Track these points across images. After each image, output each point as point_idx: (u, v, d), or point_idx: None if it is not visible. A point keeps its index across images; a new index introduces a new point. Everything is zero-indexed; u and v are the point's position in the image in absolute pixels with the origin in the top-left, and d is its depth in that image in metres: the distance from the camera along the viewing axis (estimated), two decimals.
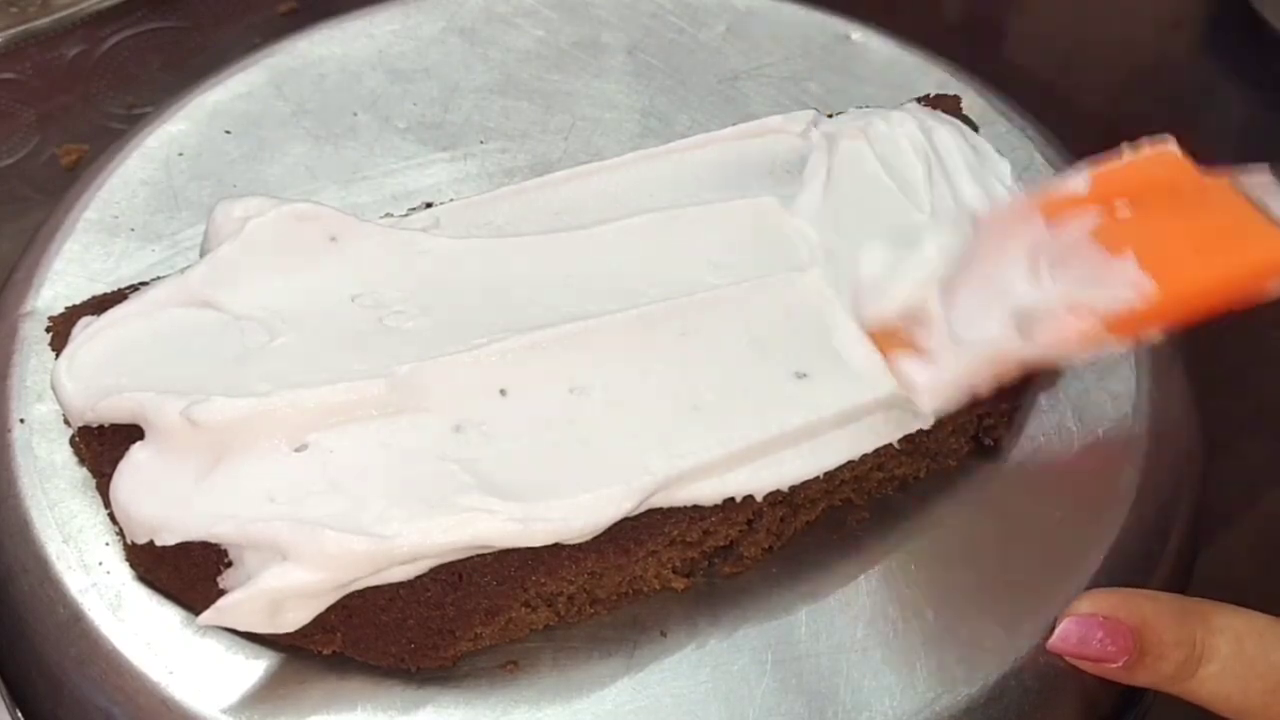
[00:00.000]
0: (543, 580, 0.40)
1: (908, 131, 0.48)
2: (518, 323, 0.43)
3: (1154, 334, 0.40)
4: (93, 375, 0.42)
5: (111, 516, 0.41)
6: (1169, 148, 0.41)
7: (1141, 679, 0.39)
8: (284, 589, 0.38)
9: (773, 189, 0.47)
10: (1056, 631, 0.40)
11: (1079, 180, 0.41)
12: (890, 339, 0.42)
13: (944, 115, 0.51)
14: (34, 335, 0.47)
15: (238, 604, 0.38)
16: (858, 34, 0.58)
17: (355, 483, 0.39)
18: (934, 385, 0.41)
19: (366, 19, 0.58)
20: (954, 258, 0.41)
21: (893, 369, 0.41)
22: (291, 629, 0.39)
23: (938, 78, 0.56)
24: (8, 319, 0.48)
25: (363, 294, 0.44)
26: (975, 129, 0.51)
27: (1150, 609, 0.39)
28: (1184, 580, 0.47)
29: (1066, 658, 0.40)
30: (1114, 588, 0.41)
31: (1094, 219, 0.40)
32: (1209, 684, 0.39)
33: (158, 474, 0.40)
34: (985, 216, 0.43)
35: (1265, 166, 0.40)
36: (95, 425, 0.42)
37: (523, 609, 0.40)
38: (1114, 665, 0.39)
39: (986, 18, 0.77)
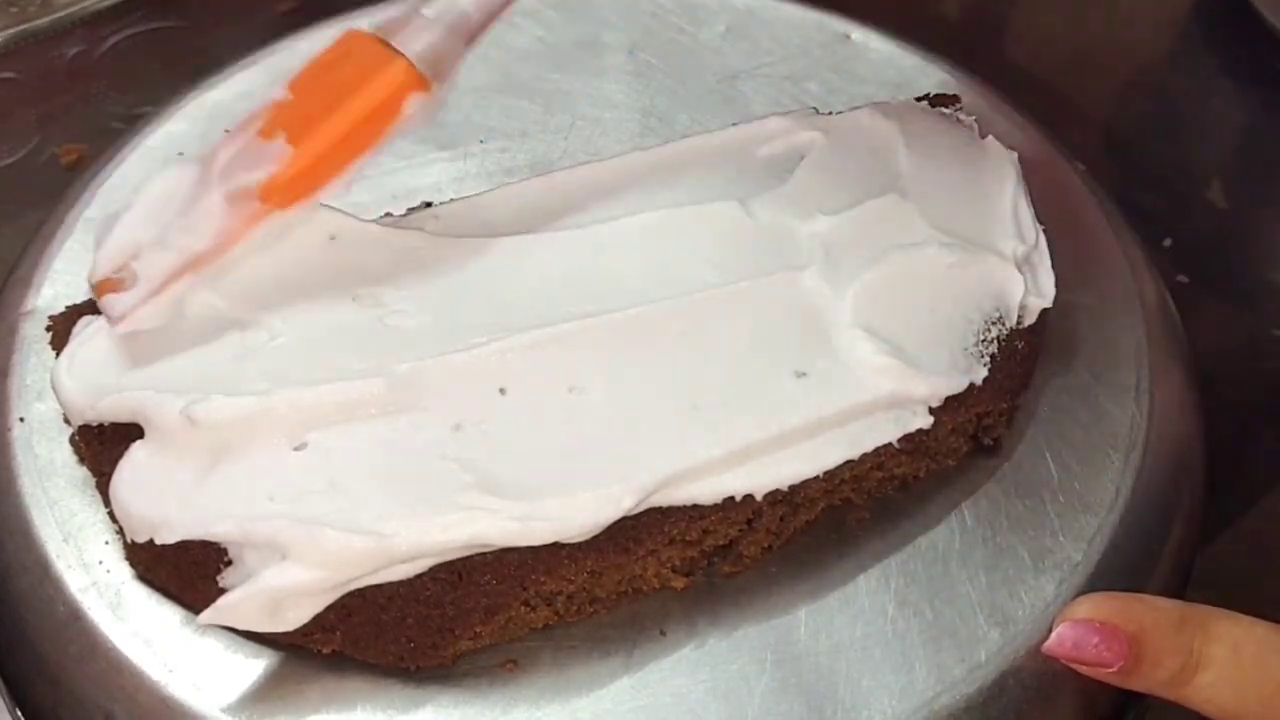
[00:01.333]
0: (542, 579, 0.40)
1: (899, 129, 0.48)
2: (517, 322, 0.43)
3: (311, 195, 0.42)
4: (93, 374, 0.42)
5: (111, 515, 0.41)
6: (356, 28, 0.43)
7: (1137, 684, 0.39)
8: (283, 588, 0.38)
9: (772, 188, 0.47)
10: (1053, 636, 0.40)
11: (281, 90, 0.43)
12: (106, 286, 0.42)
13: (943, 111, 0.51)
14: (34, 334, 0.47)
15: (237, 603, 0.38)
16: (857, 34, 0.58)
17: (355, 481, 0.39)
18: (133, 312, 0.41)
19: (366, 19, 0.57)
20: (169, 198, 0.42)
21: (103, 310, 0.42)
22: (291, 628, 0.39)
23: (938, 78, 0.56)
24: (8, 318, 0.48)
25: (363, 294, 0.44)
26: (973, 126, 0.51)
27: (1148, 616, 0.39)
28: (1183, 580, 0.47)
29: (1062, 661, 0.40)
30: (1112, 592, 0.41)
31: (261, 116, 0.42)
32: (1204, 692, 0.39)
33: (157, 473, 0.40)
34: (216, 147, 0.44)
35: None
36: (95, 424, 0.42)
37: (522, 608, 0.40)
38: (1109, 670, 0.39)
39: (986, 18, 0.77)
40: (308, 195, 0.42)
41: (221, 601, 0.38)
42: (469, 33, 0.43)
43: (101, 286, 0.42)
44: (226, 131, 0.43)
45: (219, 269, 0.42)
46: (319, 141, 0.41)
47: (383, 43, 0.42)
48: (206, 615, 0.38)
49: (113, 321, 0.42)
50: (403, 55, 0.41)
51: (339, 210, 0.45)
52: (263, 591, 0.38)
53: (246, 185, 0.41)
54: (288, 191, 0.42)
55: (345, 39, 0.43)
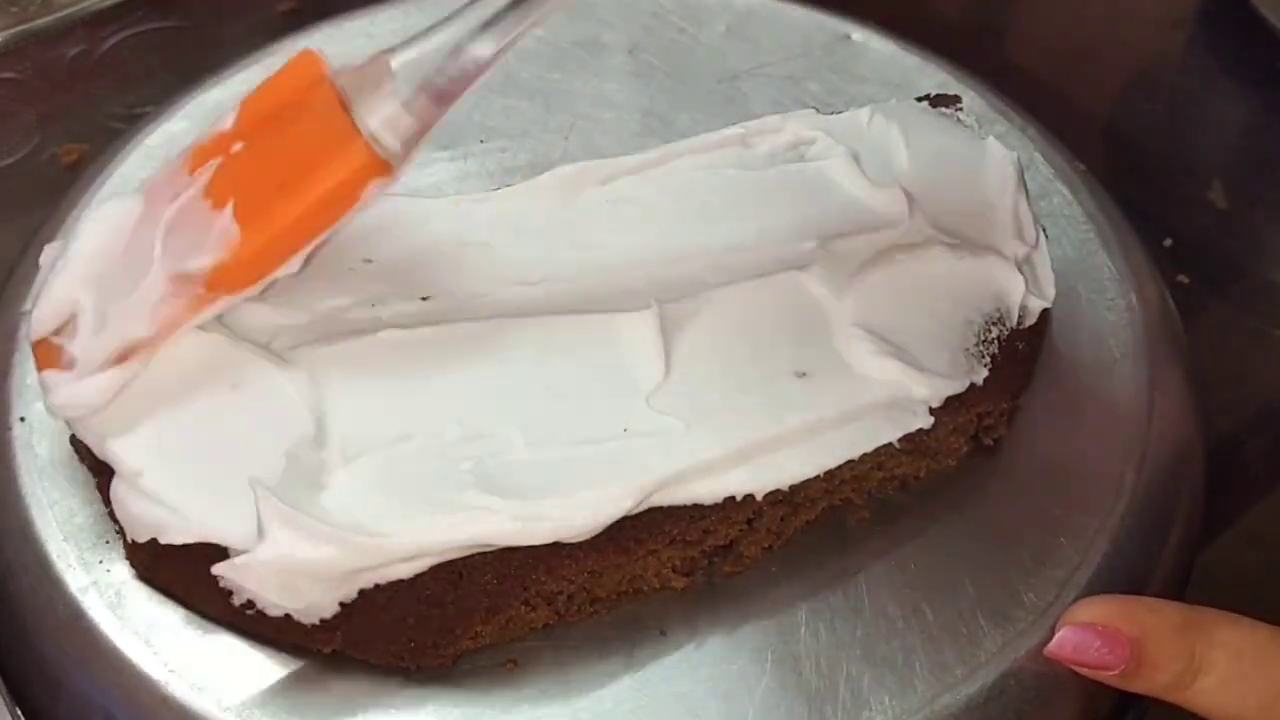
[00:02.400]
0: (543, 579, 0.40)
1: (899, 129, 0.48)
2: (516, 321, 0.43)
3: (259, 281, 0.39)
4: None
5: (111, 515, 0.41)
6: (309, 51, 0.39)
7: (1138, 687, 0.39)
8: (291, 556, 0.37)
9: (772, 188, 0.47)
10: (1054, 638, 0.40)
11: (229, 118, 0.40)
12: (47, 354, 0.40)
13: (943, 111, 0.51)
14: None
15: (247, 564, 0.38)
16: (858, 34, 0.58)
17: (355, 480, 0.39)
18: (71, 399, 0.39)
19: (366, 19, 0.58)
20: (112, 240, 0.40)
21: (41, 385, 0.40)
22: (304, 609, 0.39)
23: (938, 78, 0.56)
24: (8, 317, 0.48)
25: (367, 298, 0.44)
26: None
27: (1150, 619, 0.39)
28: (1183, 580, 0.47)
29: (1063, 664, 0.40)
30: (1114, 595, 0.41)
31: (210, 171, 0.39)
32: (1205, 696, 0.39)
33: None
34: (147, 183, 0.41)
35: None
36: None
37: (523, 608, 0.40)
38: (1110, 673, 0.39)
39: (986, 18, 0.77)
40: (255, 281, 0.39)
41: (236, 560, 0.38)
42: (441, 99, 0.38)
43: (40, 350, 0.40)
44: (165, 164, 0.41)
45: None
46: (270, 226, 0.38)
47: (344, 108, 0.37)
48: (221, 566, 0.38)
49: (49, 401, 0.40)
50: (363, 137, 0.37)
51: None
52: (275, 559, 0.37)
53: (191, 270, 0.38)
54: (235, 278, 0.39)
55: (305, 75, 0.39)
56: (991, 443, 0.45)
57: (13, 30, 0.63)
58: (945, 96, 0.53)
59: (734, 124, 0.50)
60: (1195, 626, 0.39)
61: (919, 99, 0.52)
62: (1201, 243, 0.62)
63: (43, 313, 0.40)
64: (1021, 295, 0.45)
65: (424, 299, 0.44)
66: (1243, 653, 0.38)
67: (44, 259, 0.42)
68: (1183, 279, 0.59)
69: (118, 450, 0.40)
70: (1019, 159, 0.49)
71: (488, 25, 0.38)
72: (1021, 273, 0.45)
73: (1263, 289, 0.63)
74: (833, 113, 0.51)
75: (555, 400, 0.42)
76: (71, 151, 0.61)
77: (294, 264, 0.39)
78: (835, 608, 0.42)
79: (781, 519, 0.42)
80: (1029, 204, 0.48)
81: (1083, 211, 0.52)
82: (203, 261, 0.38)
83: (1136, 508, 0.45)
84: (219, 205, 0.38)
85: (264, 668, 0.40)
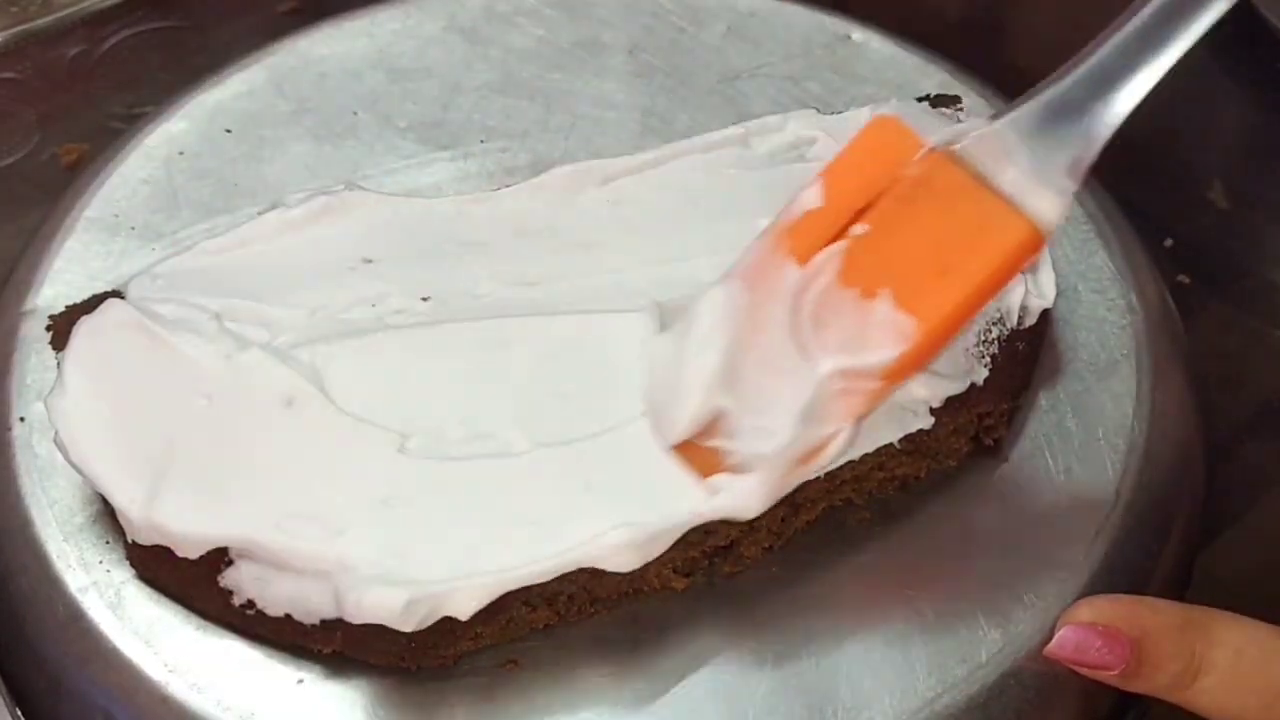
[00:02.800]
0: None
1: None
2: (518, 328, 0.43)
3: (932, 360, 0.39)
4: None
5: (111, 514, 0.41)
6: (887, 119, 0.39)
7: (1138, 687, 0.39)
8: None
9: (772, 188, 0.47)
10: (1055, 638, 0.40)
11: (812, 193, 0.39)
12: (701, 458, 0.39)
13: (943, 111, 0.51)
14: (34, 334, 0.47)
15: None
16: (858, 34, 0.58)
17: (382, 515, 0.39)
18: (753, 500, 0.39)
19: (367, 18, 0.58)
20: (726, 335, 0.39)
21: (710, 495, 0.39)
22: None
23: (938, 78, 0.56)
24: (8, 318, 0.48)
25: (367, 298, 0.44)
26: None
27: (1150, 619, 0.39)
28: (1184, 580, 0.47)
29: (1063, 664, 0.40)
30: (1114, 595, 0.41)
31: (838, 257, 0.38)
32: (1205, 696, 0.39)
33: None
34: (740, 269, 0.40)
35: (983, 118, 0.38)
36: None
37: (523, 608, 0.40)
38: (1111, 673, 0.39)
39: (986, 18, 0.76)
40: (923, 367, 0.39)
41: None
42: (1091, 145, 0.37)
43: (696, 456, 0.39)
44: (748, 251, 0.39)
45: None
46: (939, 313, 0.37)
47: (987, 188, 0.36)
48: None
49: (722, 506, 0.39)
50: (1025, 215, 0.36)
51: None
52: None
53: (870, 366, 0.38)
54: (909, 367, 0.38)
55: (895, 143, 0.38)
56: (991, 443, 0.45)
57: (13, 30, 0.63)
58: (945, 96, 0.53)
59: (734, 124, 0.50)
60: (1195, 626, 0.39)
61: (919, 99, 0.52)
62: (1201, 243, 0.62)
63: (692, 412, 0.39)
64: (1021, 295, 0.45)
65: (424, 299, 0.44)
66: (1243, 652, 0.38)
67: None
68: (1183, 279, 0.59)
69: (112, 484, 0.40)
70: None
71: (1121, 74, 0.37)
72: (1021, 273, 0.45)
73: (1263, 289, 0.63)
74: (833, 113, 0.51)
75: (555, 400, 0.42)
76: (71, 151, 0.61)
77: (953, 338, 0.39)
78: (835, 608, 0.42)
79: (782, 519, 0.42)
80: None
81: (1083, 211, 0.52)
82: (881, 356, 0.38)
83: (1136, 508, 0.45)
84: (868, 294, 0.38)
85: (264, 668, 0.40)
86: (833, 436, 0.39)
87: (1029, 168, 0.37)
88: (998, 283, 0.38)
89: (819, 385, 0.38)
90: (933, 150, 0.38)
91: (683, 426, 0.39)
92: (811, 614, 0.42)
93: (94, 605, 0.41)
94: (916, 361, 0.38)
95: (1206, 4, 0.37)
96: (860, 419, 0.39)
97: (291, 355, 0.42)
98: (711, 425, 0.39)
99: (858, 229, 0.38)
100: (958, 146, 0.37)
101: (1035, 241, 0.37)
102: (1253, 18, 0.66)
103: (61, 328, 0.44)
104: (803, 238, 0.38)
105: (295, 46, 0.57)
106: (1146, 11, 0.37)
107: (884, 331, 0.37)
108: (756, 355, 0.39)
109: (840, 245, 0.38)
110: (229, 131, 0.53)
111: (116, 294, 0.44)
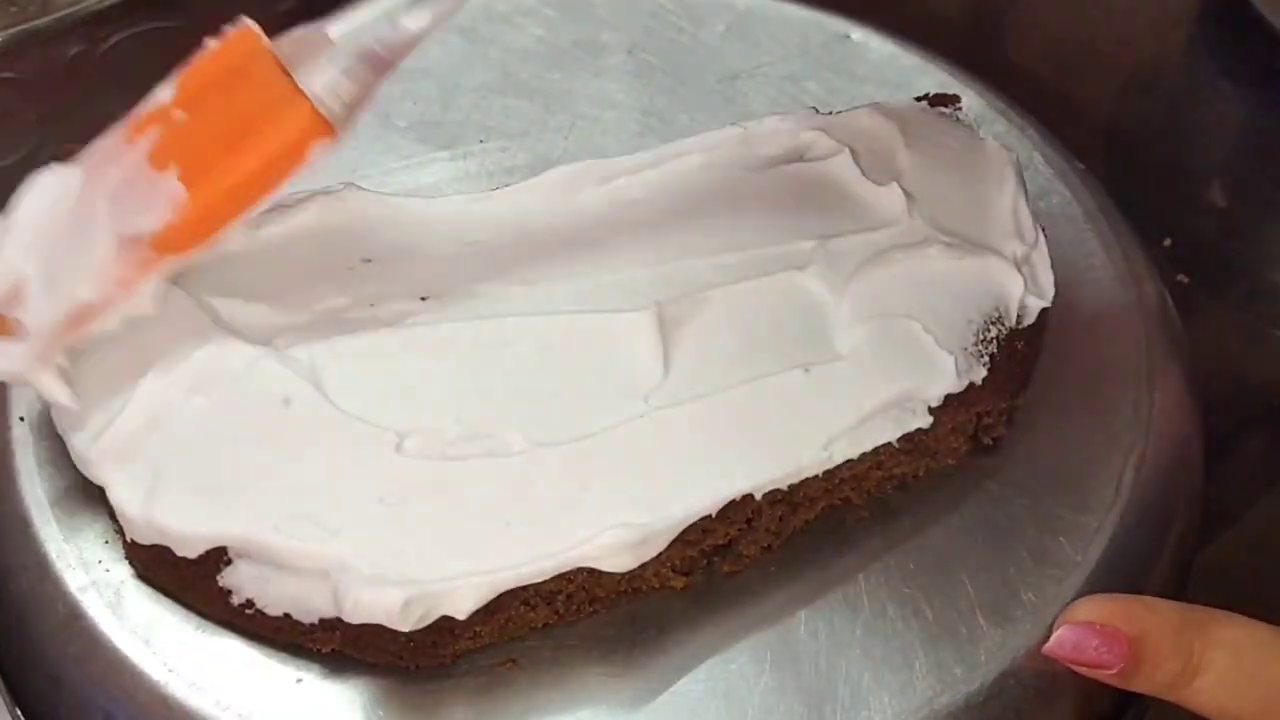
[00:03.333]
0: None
1: (899, 129, 0.48)
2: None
3: (205, 241, 0.40)
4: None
5: (111, 514, 0.41)
6: (245, 25, 0.40)
7: (1136, 686, 0.39)
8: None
9: (772, 188, 0.47)
10: (1053, 637, 0.40)
11: (166, 88, 0.40)
12: None
13: (943, 111, 0.51)
14: None
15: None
16: (857, 34, 0.58)
17: (380, 514, 0.39)
18: (19, 365, 0.40)
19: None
20: (54, 210, 0.40)
21: None
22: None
23: (938, 78, 0.56)
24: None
25: (366, 298, 0.44)
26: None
27: (1149, 618, 0.39)
28: (1183, 580, 0.47)
29: (1062, 663, 0.40)
30: (1113, 594, 0.41)
31: (152, 137, 0.39)
32: (1203, 695, 0.39)
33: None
34: (85, 155, 0.41)
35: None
36: None
37: (522, 607, 0.40)
38: (1109, 673, 0.39)
39: (986, 18, 0.77)
40: (202, 240, 0.39)
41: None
42: (378, 67, 0.39)
43: None
44: (102, 135, 0.40)
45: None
46: (215, 186, 0.39)
47: (285, 73, 0.39)
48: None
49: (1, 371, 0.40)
50: (306, 97, 0.38)
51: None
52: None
53: (139, 232, 0.39)
54: (182, 238, 0.39)
55: (242, 47, 0.40)
56: (991, 442, 0.45)
57: (13, 30, 0.63)
58: (945, 96, 0.53)
59: (734, 124, 0.50)
60: (1194, 625, 0.39)
61: (919, 99, 0.52)
62: (1201, 243, 0.62)
63: None
64: (1021, 295, 0.45)
65: (422, 298, 0.44)
66: (1242, 652, 0.38)
67: None
68: (1183, 279, 0.59)
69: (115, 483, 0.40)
70: (1018, 159, 0.49)
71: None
72: (1020, 272, 0.45)
73: (1263, 289, 0.63)
74: (832, 113, 0.51)
75: (553, 400, 0.42)
76: (71, 151, 0.60)
77: (239, 224, 0.40)
78: (834, 607, 0.42)
79: (781, 518, 0.42)
80: (1028, 204, 0.48)
81: (1083, 211, 0.52)
82: (150, 223, 0.39)
83: (1136, 507, 0.45)
84: (163, 169, 0.39)
85: (263, 667, 0.40)
86: (101, 305, 0.39)
87: (332, 69, 0.39)
88: (279, 166, 0.39)
89: (94, 252, 0.39)
90: (244, 33, 0.40)
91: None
92: (810, 613, 0.42)
93: (93, 604, 0.41)
94: (185, 233, 0.39)
95: None
96: (127, 288, 0.39)
97: (290, 355, 0.42)
98: (14, 294, 0.39)
99: (178, 115, 0.39)
100: (280, 46, 0.40)
101: (318, 128, 0.39)
102: (1253, 18, 0.66)
103: None
104: (143, 126, 0.40)
105: None
106: None
107: (163, 203, 0.39)
108: (68, 230, 0.39)
109: (157, 129, 0.39)
110: (108, 134, 0.53)
111: None
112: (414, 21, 0.39)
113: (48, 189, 0.40)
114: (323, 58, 0.39)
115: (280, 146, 0.39)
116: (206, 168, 0.39)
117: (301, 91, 0.39)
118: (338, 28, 0.40)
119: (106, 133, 0.41)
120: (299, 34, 0.40)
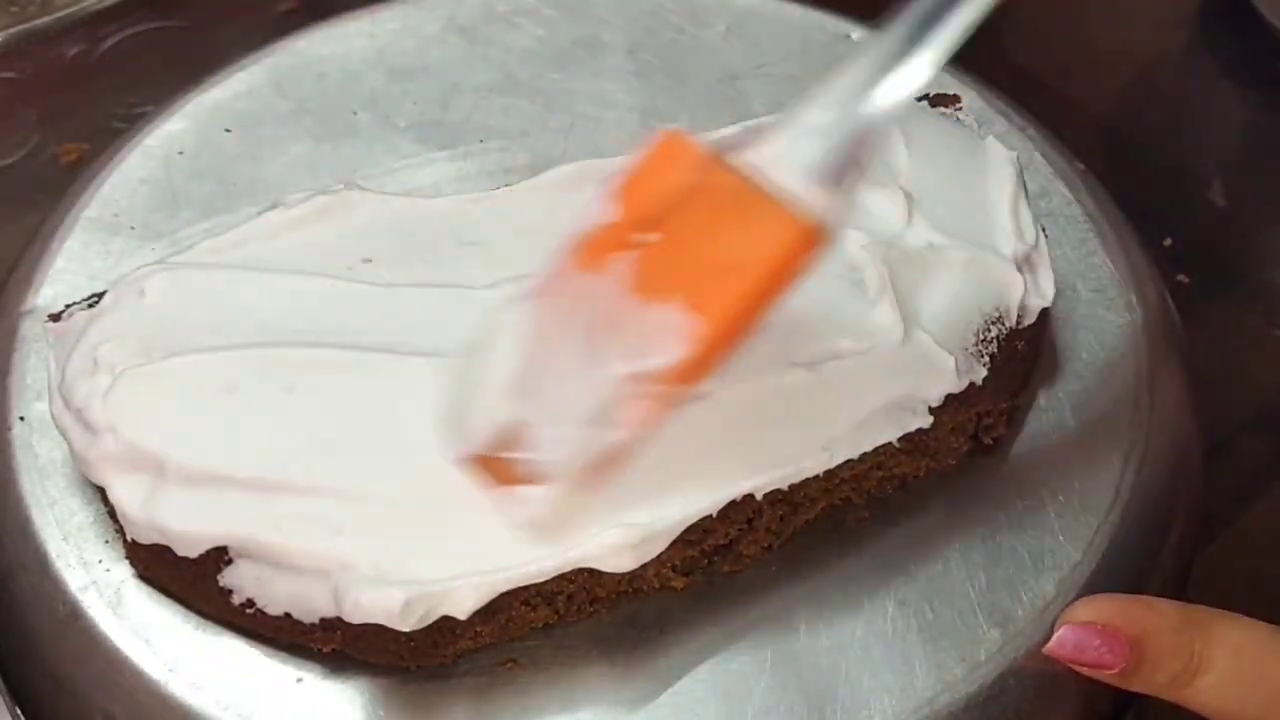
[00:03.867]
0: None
1: (899, 129, 0.48)
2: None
3: (719, 362, 0.38)
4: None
5: (111, 514, 0.41)
6: (674, 134, 0.39)
7: (1137, 686, 0.39)
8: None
9: None
10: (1054, 638, 0.40)
11: (607, 209, 0.39)
12: (499, 470, 0.39)
13: (943, 111, 0.51)
14: (34, 333, 0.47)
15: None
16: (858, 34, 0.58)
17: (381, 514, 0.39)
18: (547, 518, 0.39)
19: (366, 18, 0.58)
20: (521, 350, 0.39)
21: (507, 508, 0.39)
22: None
23: (938, 78, 0.56)
24: (8, 317, 0.48)
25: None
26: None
27: (1149, 618, 0.39)
28: (1182, 580, 0.47)
29: (1062, 663, 0.40)
30: (1113, 594, 0.41)
31: (629, 266, 0.38)
32: (1205, 694, 0.39)
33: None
34: (534, 288, 0.40)
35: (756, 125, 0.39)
36: None
37: (522, 607, 0.40)
38: (1110, 672, 0.39)
39: (986, 18, 0.76)
40: (714, 369, 0.38)
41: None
42: (863, 143, 0.37)
43: (493, 468, 0.38)
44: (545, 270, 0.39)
45: None
46: (722, 313, 0.37)
47: (752, 183, 0.37)
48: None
49: (518, 518, 0.38)
50: (796, 216, 0.36)
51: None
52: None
53: (650, 369, 0.37)
54: (696, 370, 0.37)
55: (682, 156, 0.38)
56: (991, 442, 0.45)
57: (13, 30, 0.63)
58: (945, 96, 0.53)
59: (734, 124, 0.50)
60: (1194, 625, 0.39)
61: (919, 99, 0.52)
62: (1201, 243, 0.62)
63: (485, 432, 0.38)
64: (1021, 295, 0.45)
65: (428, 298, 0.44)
66: (1242, 651, 0.38)
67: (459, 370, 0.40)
68: (1183, 279, 0.59)
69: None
70: (1019, 159, 0.49)
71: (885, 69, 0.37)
72: (1021, 272, 0.45)
73: (1263, 289, 0.63)
74: None
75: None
76: (71, 151, 0.61)
77: (741, 347, 0.38)
78: (835, 607, 0.42)
79: (781, 518, 0.42)
80: (1029, 204, 0.48)
81: (1083, 211, 0.52)
82: (666, 358, 0.37)
83: (1136, 508, 0.45)
84: (655, 299, 0.37)
85: (264, 667, 0.40)
86: (629, 445, 0.38)
87: (800, 170, 0.37)
88: (778, 282, 0.37)
89: (607, 390, 0.38)
90: (712, 159, 0.38)
91: (481, 437, 0.39)
92: (811, 613, 0.42)
93: (94, 604, 0.41)
94: (702, 363, 0.38)
95: (954, 11, 0.38)
96: (651, 425, 0.38)
97: (289, 355, 0.42)
98: (512, 438, 0.39)
99: (646, 237, 0.38)
100: (736, 155, 0.38)
101: (807, 238, 0.37)
102: (1253, 18, 0.66)
103: None
104: (596, 251, 0.38)
105: (295, 46, 0.57)
106: (901, 20, 0.37)
107: (669, 334, 0.37)
108: (552, 368, 0.38)
109: (630, 255, 0.38)
110: (229, 131, 0.53)
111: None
112: (880, 106, 0.37)
113: (510, 323, 0.39)
114: (774, 158, 0.37)
115: (774, 262, 0.37)
116: (706, 294, 0.37)
117: (785, 206, 0.37)
118: (788, 131, 0.38)
119: (552, 260, 0.39)
120: (732, 134, 0.38)
